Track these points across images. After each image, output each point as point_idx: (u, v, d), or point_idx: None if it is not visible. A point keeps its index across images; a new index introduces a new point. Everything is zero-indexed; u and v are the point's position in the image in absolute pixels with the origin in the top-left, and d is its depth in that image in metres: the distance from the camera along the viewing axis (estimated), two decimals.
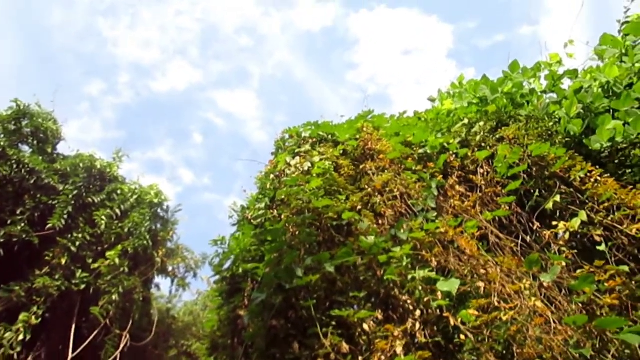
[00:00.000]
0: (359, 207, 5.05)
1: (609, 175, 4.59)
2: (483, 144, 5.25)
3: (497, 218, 4.47)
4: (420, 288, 3.78)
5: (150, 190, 9.82)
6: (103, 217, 9.20)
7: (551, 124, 5.12)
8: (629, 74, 5.54)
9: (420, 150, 5.50)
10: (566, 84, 5.79)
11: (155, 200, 9.69)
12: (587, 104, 5.20)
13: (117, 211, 9.35)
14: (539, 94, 5.78)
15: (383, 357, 3.42)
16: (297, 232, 4.90)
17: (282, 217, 5.26)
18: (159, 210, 9.87)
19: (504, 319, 3.45)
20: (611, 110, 5.27)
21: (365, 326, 3.73)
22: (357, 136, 6.06)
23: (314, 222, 4.99)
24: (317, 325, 3.82)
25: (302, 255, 4.47)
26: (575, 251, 4.08)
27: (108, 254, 8.84)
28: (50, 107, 10.61)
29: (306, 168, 5.64)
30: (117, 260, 8.75)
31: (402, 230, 4.43)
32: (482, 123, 5.41)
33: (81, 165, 9.76)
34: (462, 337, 3.54)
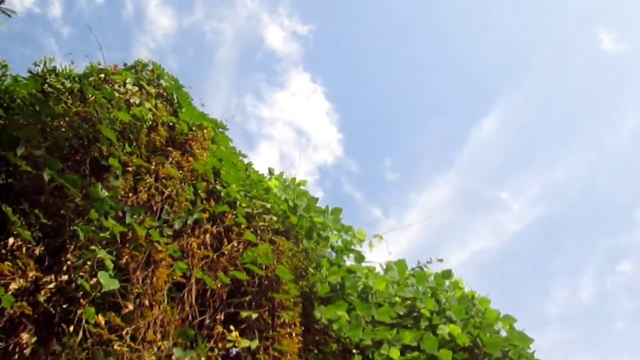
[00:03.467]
0: (130, 169, 4.78)
1: None
2: (259, 231, 5.34)
3: (202, 282, 4.45)
4: (89, 263, 3.53)
5: None
6: None
7: (308, 267, 5.41)
8: (387, 297, 6.12)
9: (219, 187, 5.45)
10: (350, 259, 6.25)
11: None
12: (344, 281, 5.62)
13: None
14: (330, 245, 6.15)
15: None
16: (62, 128, 4.47)
17: (69, 106, 4.80)
18: None
19: (117, 347, 3.32)
20: (352, 305, 5.71)
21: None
22: (194, 128, 5.89)
23: (85, 137, 4.60)
24: None
25: (40, 144, 4.05)
26: None
27: None
28: None
29: (132, 100, 5.29)
30: None
31: (133, 216, 4.22)
32: (275, 218, 5.55)
33: None
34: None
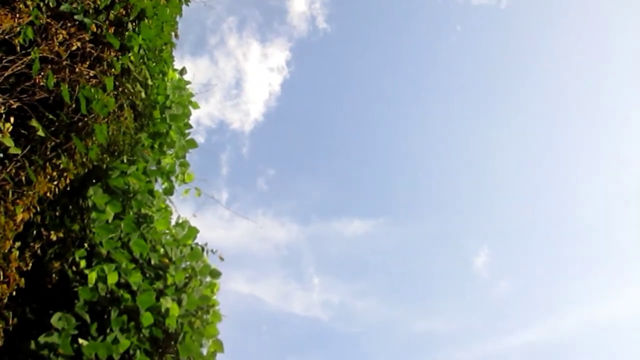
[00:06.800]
0: None
1: None
2: (121, 88, 5.06)
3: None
4: None
5: None
6: None
7: (124, 153, 5.18)
8: (154, 240, 5.96)
9: (130, 27, 5.13)
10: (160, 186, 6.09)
11: None
12: (136, 194, 5.43)
13: None
14: (158, 160, 5.95)
15: None
16: None
17: None
18: None
19: None
20: (123, 217, 5.49)
21: None
22: None
23: None
24: None
25: None
26: None
27: None
28: None
29: None
30: None
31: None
32: (144, 96, 5.30)
33: None
34: None
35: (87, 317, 4.86)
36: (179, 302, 5.87)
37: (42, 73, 4.23)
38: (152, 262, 5.96)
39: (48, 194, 4.57)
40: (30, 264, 4.68)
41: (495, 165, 21.79)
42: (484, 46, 21.64)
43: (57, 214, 4.94)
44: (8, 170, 4.04)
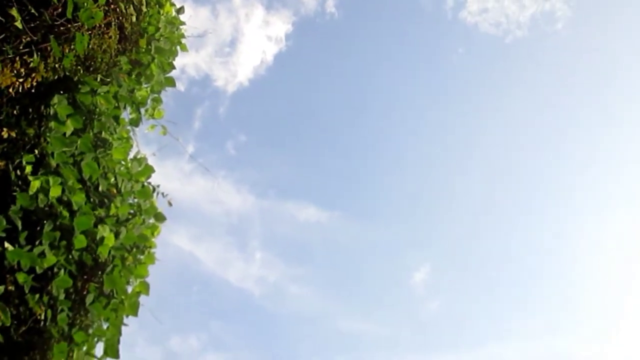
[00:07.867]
0: None
1: None
2: (113, 6, 4.92)
3: None
4: None
5: None
6: None
7: (99, 75, 5.04)
8: (107, 167, 5.83)
9: None
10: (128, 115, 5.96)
11: None
12: (101, 117, 5.30)
13: None
14: (132, 89, 5.82)
15: None
16: None
17: None
18: None
19: None
20: (81, 135, 5.35)
21: None
22: None
23: None
24: None
25: None
26: None
27: None
28: None
29: None
30: None
31: None
32: (134, 20, 5.16)
33: None
34: None
35: (18, 223, 4.72)
36: (117, 235, 5.78)
37: None
38: (100, 188, 5.83)
39: (10, 90, 4.43)
40: None
41: (461, 188, 22.18)
42: (480, 75, 21.93)
43: (15, 112, 4.77)
44: None
